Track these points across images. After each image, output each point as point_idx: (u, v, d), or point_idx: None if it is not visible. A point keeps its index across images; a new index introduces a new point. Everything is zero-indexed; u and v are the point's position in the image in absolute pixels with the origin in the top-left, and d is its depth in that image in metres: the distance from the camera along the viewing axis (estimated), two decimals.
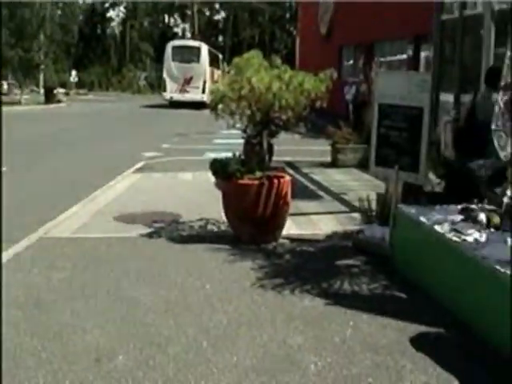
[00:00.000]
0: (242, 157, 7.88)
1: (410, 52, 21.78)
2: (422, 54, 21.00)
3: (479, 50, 15.04)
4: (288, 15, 61.01)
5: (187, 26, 70.02)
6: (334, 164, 14.01)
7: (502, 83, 5.84)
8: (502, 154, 5.99)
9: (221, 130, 15.07)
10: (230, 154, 7.93)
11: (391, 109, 7.12)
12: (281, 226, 7.90)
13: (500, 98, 5.76)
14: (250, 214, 7.56)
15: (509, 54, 5.83)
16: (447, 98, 17.79)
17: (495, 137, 5.88)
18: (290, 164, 13.95)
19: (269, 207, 7.55)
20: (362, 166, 12.45)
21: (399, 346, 4.88)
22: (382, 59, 25.46)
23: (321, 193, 11.32)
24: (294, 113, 7.79)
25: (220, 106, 7.80)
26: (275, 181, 7.63)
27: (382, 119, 7.25)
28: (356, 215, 8.81)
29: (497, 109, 5.78)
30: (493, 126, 5.79)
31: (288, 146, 13.92)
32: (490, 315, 5.03)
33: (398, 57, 23.40)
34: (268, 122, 7.84)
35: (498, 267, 4.89)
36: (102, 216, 9.06)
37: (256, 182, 7.57)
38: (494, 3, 11.39)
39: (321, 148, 15.70)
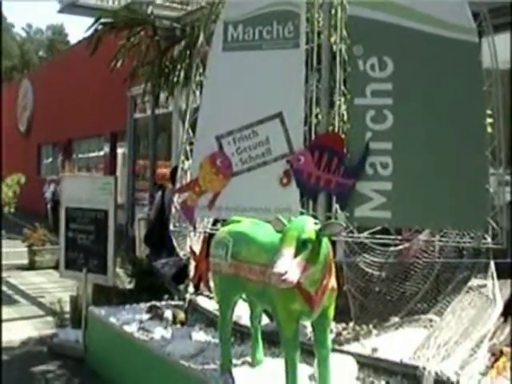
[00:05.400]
0: None
1: (107, 149, 22.22)
2: (119, 151, 21.56)
3: (170, 146, 15.85)
4: None
5: None
6: (31, 266, 13.66)
7: (178, 185, 6.22)
8: (181, 253, 6.34)
9: None
10: None
11: (77, 212, 7.22)
12: None
13: (176, 200, 6.13)
14: None
15: (182, 157, 6.26)
16: (144, 194, 18.47)
17: (174, 236, 6.22)
18: None
19: None
20: None
21: None
22: (81, 156, 25.64)
23: (17, 297, 10.98)
24: None
25: None
26: None
27: (69, 222, 7.32)
28: (52, 319, 8.67)
29: (174, 210, 6.13)
30: (171, 227, 6.11)
31: None
32: None
33: (96, 153, 23.73)
34: None
35: (181, 362, 5.11)
36: None
37: None
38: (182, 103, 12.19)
39: (19, 249, 15.18)
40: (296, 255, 3.68)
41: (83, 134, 24.37)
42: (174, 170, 9.74)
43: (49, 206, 20.41)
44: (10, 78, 43.89)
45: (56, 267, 12.93)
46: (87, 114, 23.17)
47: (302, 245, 3.71)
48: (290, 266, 3.61)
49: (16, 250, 15.46)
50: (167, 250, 7.89)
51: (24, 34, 60.97)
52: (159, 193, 9.66)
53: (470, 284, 5.16)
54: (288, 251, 3.68)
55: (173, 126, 14.11)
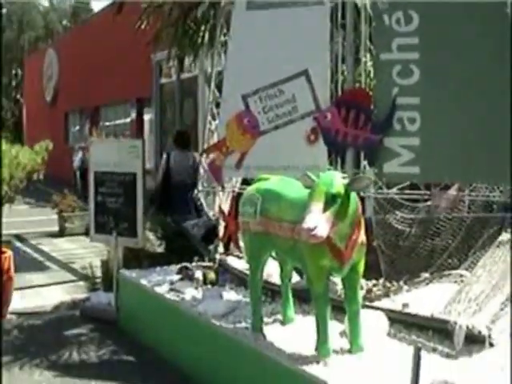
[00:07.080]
0: None
1: (134, 115, 22.23)
2: (146, 117, 21.58)
3: (196, 110, 15.86)
4: (14, 83, 59.11)
5: None
6: (61, 233, 13.79)
7: (205, 146, 6.22)
8: (210, 213, 6.38)
9: None
10: None
11: (106, 176, 7.24)
12: (6, 303, 7.62)
13: (204, 160, 6.14)
14: None
15: (209, 118, 6.25)
16: None
17: (202, 197, 6.24)
18: (18, 236, 13.49)
19: None
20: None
21: None
22: (108, 123, 25.69)
23: (48, 263, 11.13)
24: (9, 186, 7.60)
25: None
26: None
27: (98, 186, 7.35)
28: (83, 283, 8.78)
29: (202, 171, 6.14)
30: (200, 187, 6.13)
31: (15, 218, 13.43)
32: (209, 368, 5.27)
33: (123, 120, 23.75)
34: None
35: (213, 321, 5.16)
36: None
37: None
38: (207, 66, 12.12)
39: (49, 217, 15.36)
40: (325, 210, 3.67)
41: (109, 100, 24.41)
42: (178, 134, 9.80)
43: (77, 173, 20.53)
44: (35, 49, 43.94)
45: (86, 234, 13.07)
46: (113, 80, 23.16)
47: (330, 200, 3.70)
48: (319, 221, 3.61)
49: (46, 218, 15.67)
50: (175, 210, 7.98)
51: (47, 4, 60.89)
52: (164, 156, 9.63)
53: (500, 239, 5.11)
54: (317, 206, 3.67)
55: (199, 90, 14.07)
